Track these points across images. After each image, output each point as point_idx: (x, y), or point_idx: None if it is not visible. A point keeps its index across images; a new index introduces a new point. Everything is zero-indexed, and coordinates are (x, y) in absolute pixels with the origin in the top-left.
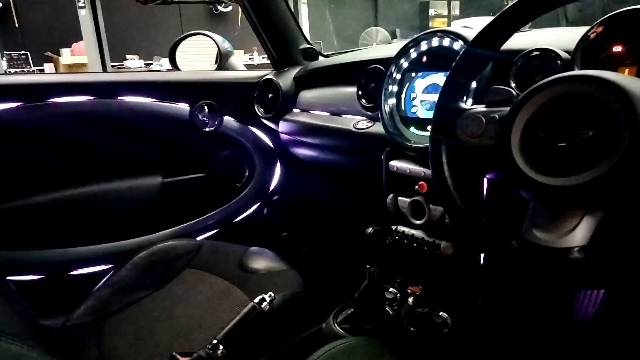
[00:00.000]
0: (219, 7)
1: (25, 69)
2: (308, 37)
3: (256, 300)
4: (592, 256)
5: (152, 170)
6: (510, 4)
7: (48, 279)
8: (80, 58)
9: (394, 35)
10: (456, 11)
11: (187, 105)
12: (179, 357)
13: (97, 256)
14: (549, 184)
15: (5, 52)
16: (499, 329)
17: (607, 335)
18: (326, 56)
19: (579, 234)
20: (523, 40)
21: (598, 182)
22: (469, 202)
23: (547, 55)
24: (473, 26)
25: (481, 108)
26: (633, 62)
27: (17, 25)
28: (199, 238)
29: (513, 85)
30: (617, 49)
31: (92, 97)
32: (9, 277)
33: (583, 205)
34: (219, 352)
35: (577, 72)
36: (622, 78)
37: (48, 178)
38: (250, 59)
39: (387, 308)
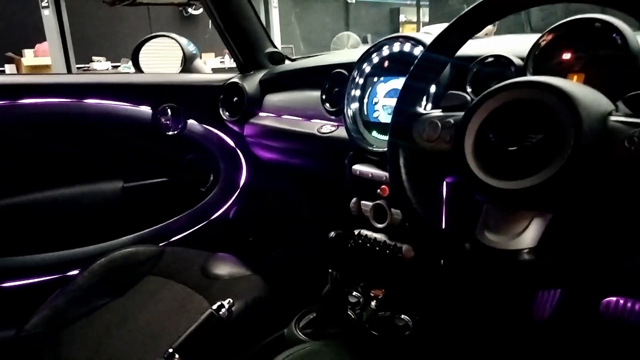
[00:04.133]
0: (189, 10)
1: None
2: (279, 41)
3: (214, 307)
4: (541, 257)
5: (113, 175)
6: (463, 12)
7: (1, 287)
8: (44, 59)
9: (365, 41)
10: (425, 18)
11: (150, 108)
12: None
13: (54, 263)
14: (499, 187)
15: None
16: (460, 330)
17: (564, 333)
18: (293, 60)
19: (529, 236)
20: (479, 46)
21: (545, 185)
22: (426, 205)
23: (501, 62)
24: (437, 32)
25: (437, 113)
26: (581, 69)
27: None
28: (161, 244)
29: (469, 90)
30: (567, 56)
31: (52, 99)
32: None
33: (532, 207)
34: None
35: (526, 78)
36: (568, 84)
37: (4, 182)
38: (221, 62)
39: (349, 312)
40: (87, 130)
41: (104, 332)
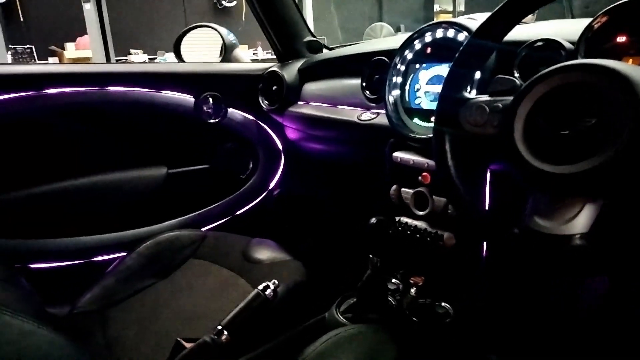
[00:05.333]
0: (223, 2)
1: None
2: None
3: (260, 287)
4: (593, 243)
5: (157, 161)
6: None
7: (54, 267)
8: (85, 52)
9: (398, 30)
10: (461, 7)
11: (192, 97)
12: (183, 342)
13: (103, 245)
14: (551, 172)
15: (10, 46)
16: (501, 319)
17: (612, 325)
18: (330, 49)
19: (581, 222)
20: (527, 31)
21: (599, 170)
22: (471, 191)
23: (551, 46)
24: (481, 19)
25: (485, 98)
26: (637, 52)
27: (22, 18)
28: (203, 229)
29: (517, 75)
30: (621, 39)
31: (98, 88)
32: (17, 265)
33: (585, 192)
34: (224, 337)
35: (579, 60)
36: (624, 66)
37: (55, 168)
38: (254, 54)
39: (389, 298)
40: (133, 118)
41: (151, 312)
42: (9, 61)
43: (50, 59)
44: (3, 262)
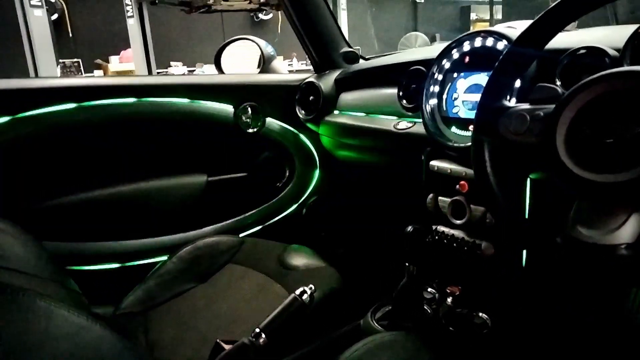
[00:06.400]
0: (260, 15)
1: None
2: None
3: (297, 292)
4: (639, 254)
5: (197, 169)
6: (554, 2)
7: (99, 270)
8: (128, 65)
9: (433, 40)
10: (498, 15)
11: (232, 107)
12: (223, 344)
13: (146, 250)
14: (595, 181)
15: (59, 60)
16: (541, 331)
17: None
18: (366, 59)
19: (626, 232)
20: (569, 38)
21: None
22: (511, 200)
23: (594, 53)
24: (521, 27)
25: (525, 106)
26: None
27: (70, 34)
28: (241, 235)
29: (559, 83)
30: None
31: (145, 99)
32: (67, 267)
33: (630, 202)
34: (262, 340)
35: (625, 68)
36: None
37: (103, 176)
38: (289, 65)
39: (425, 307)
40: (175, 127)
41: (191, 314)
42: (58, 74)
43: (96, 72)
44: (54, 264)
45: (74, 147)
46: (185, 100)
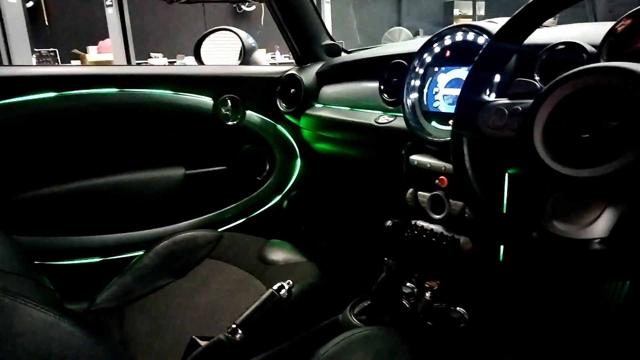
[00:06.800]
0: (242, 7)
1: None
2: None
3: (275, 287)
4: (613, 248)
5: (175, 162)
6: None
7: (73, 265)
8: (106, 55)
9: (417, 35)
10: (481, 11)
11: (211, 98)
12: (198, 340)
13: (121, 244)
14: (571, 176)
15: (35, 49)
16: (517, 324)
17: (631, 331)
18: (349, 52)
19: (600, 226)
20: (549, 34)
21: (621, 173)
22: (489, 194)
23: (572, 49)
24: (498, 22)
25: (504, 100)
26: None
27: (47, 23)
28: (219, 229)
29: (537, 78)
30: None
31: (119, 90)
32: (37, 262)
33: (605, 196)
34: (238, 336)
35: (602, 63)
36: None
37: (76, 168)
38: (272, 57)
39: (404, 301)
40: (152, 118)
41: (167, 310)
42: (34, 64)
43: (73, 62)
44: (24, 259)
45: (47, 138)
46: (162, 91)
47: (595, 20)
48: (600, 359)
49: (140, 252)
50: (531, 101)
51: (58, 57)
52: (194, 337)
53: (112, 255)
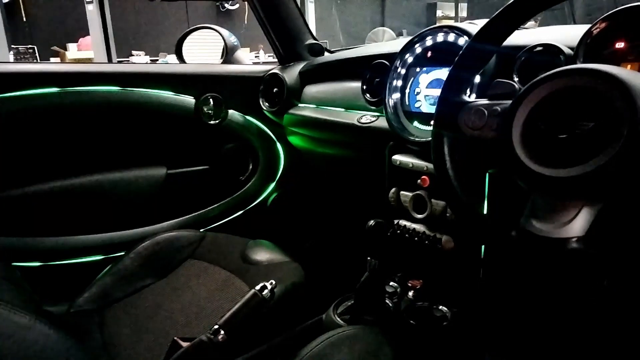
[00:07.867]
0: (226, 5)
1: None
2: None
3: (257, 287)
4: (590, 247)
5: (156, 161)
6: (510, 1)
7: (52, 266)
8: (87, 53)
9: (400, 35)
10: (463, 13)
11: (193, 97)
12: (180, 342)
13: (101, 245)
14: (548, 175)
15: (12, 46)
16: (499, 323)
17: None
18: (332, 52)
19: (577, 225)
20: (528, 36)
21: (597, 173)
22: (470, 194)
23: (550, 51)
24: (478, 24)
25: (484, 101)
26: (636, 58)
27: (24, 19)
28: (202, 229)
29: (516, 79)
30: (620, 45)
31: (99, 88)
32: (14, 263)
33: (582, 196)
34: (220, 337)
35: (579, 65)
36: (623, 71)
37: (55, 167)
38: (256, 56)
39: (387, 301)
40: (132, 118)
41: (148, 311)
42: (11, 61)
43: (52, 59)
44: (0, 260)
45: (23, 137)
46: (143, 90)
47: (574, 23)
48: (580, 355)
49: (121, 253)
50: (510, 102)
51: (37, 54)
52: (175, 338)
53: (93, 255)
